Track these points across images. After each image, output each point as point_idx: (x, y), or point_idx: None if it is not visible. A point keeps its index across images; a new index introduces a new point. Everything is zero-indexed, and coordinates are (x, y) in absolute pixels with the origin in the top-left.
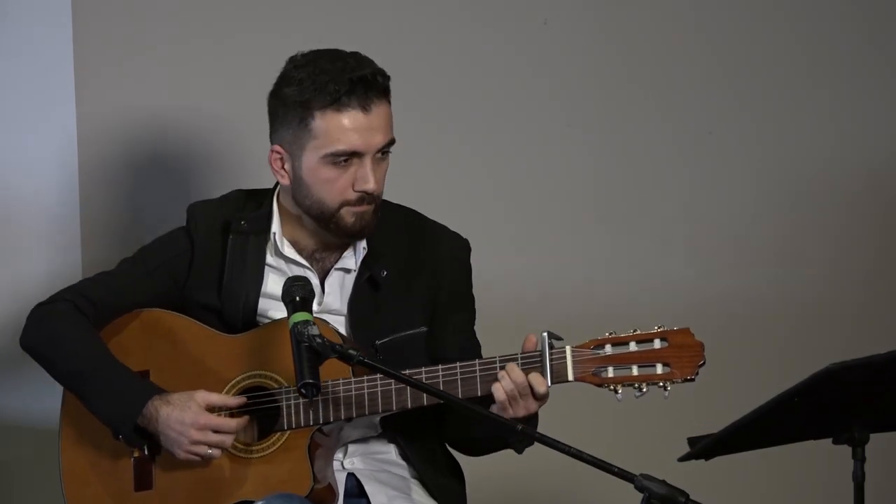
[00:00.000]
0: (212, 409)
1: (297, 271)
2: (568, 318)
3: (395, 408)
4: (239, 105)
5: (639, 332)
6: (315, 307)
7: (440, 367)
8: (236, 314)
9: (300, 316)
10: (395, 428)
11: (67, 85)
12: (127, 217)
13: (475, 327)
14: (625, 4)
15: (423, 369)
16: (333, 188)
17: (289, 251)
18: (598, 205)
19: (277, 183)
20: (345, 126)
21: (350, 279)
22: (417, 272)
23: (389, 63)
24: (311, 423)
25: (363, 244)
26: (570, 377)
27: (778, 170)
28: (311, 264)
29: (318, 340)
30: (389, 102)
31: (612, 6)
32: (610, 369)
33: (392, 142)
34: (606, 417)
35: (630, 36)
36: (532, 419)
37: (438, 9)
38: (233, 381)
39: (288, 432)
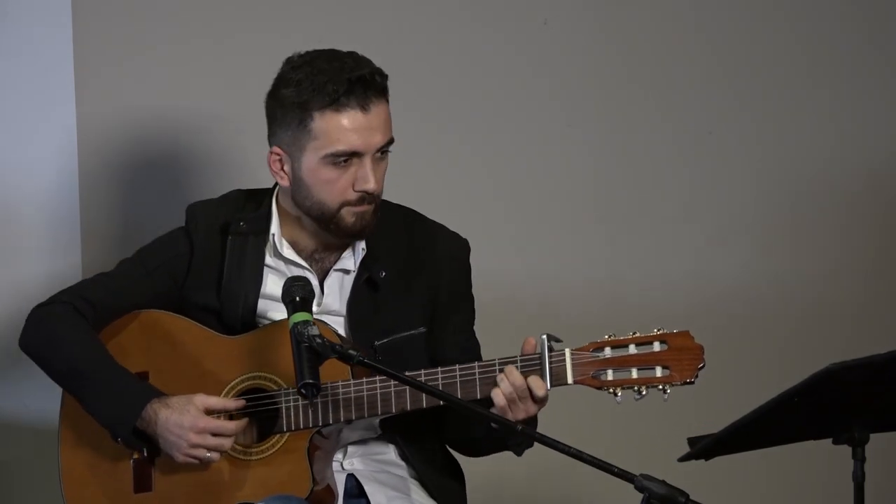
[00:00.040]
0: (210, 412)
1: (296, 272)
2: (568, 318)
3: (394, 410)
4: (239, 105)
5: (638, 334)
6: (314, 308)
7: (439, 369)
8: (235, 315)
9: (300, 316)
10: (395, 429)
11: (67, 85)
12: (127, 217)
13: (475, 327)
14: (625, 4)
15: (423, 371)
16: (334, 189)
17: (288, 252)
18: (598, 205)
19: (276, 183)
20: (344, 126)
21: (349, 280)
22: (417, 272)
23: (389, 63)
24: (311, 426)
25: (362, 245)
26: (570, 380)
27: (778, 170)
28: (310, 265)
29: (318, 340)
30: (388, 101)
31: (612, 6)
32: (609, 372)
33: (391, 141)
34: (606, 418)
35: (630, 36)
36: (531, 421)
37: (438, 9)
38: (232, 383)
39: (287, 434)
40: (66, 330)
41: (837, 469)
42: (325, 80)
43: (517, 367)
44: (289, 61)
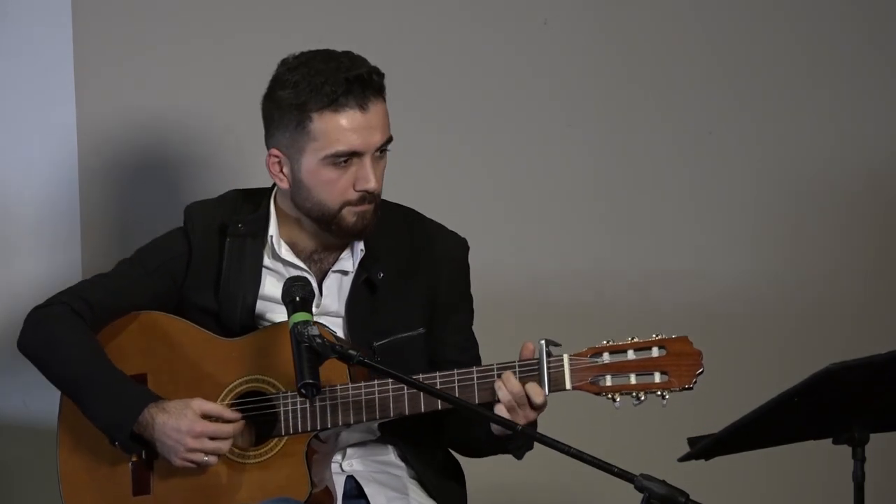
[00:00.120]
0: (207, 417)
1: (294, 274)
2: (567, 318)
3: (392, 415)
4: (239, 105)
5: (637, 339)
6: (313, 309)
7: (437, 374)
8: (233, 316)
9: (300, 316)
10: (394, 430)
11: (67, 85)
12: (127, 217)
13: (474, 327)
14: (625, 4)
15: (421, 376)
16: (334, 189)
17: (286, 254)
18: (598, 205)
19: (275, 184)
20: (343, 126)
21: (347, 281)
22: (415, 272)
23: (389, 63)
24: (309, 429)
25: (361, 246)
26: (568, 386)
27: (778, 170)
28: (309, 266)
29: (318, 341)
30: (385, 100)
31: (612, 6)
32: (608, 377)
33: (390, 139)
34: (606, 418)
35: (630, 36)
36: (531, 425)
37: (438, 9)
38: (230, 386)
39: (285, 437)
40: (63, 332)
41: (837, 469)
42: (322, 80)
43: (515, 372)
44: (284, 63)
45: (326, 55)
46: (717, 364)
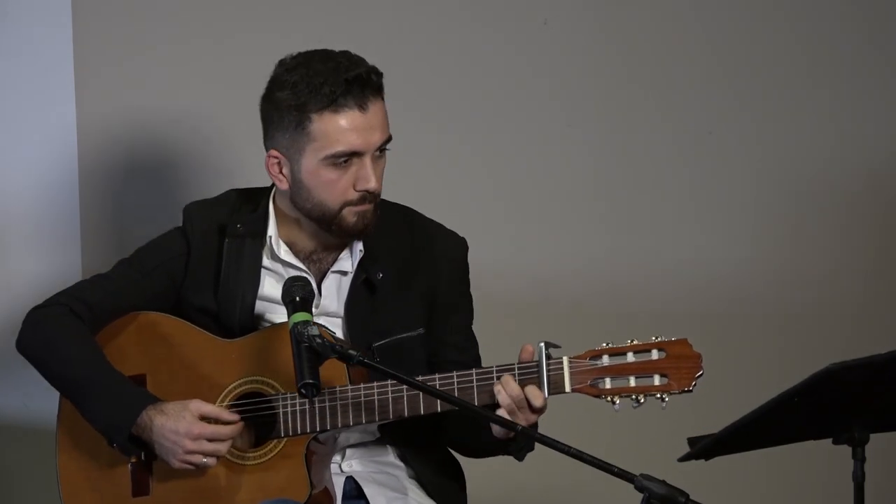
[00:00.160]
0: (205, 419)
1: (293, 274)
2: (567, 318)
3: (391, 417)
4: (239, 105)
5: (636, 342)
6: (312, 310)
7: (437, 375)
8: (233, 317)
9: (300, 316)
10: (394, 430)
11: (67, 85)
12: (127, 217)
13: (473, 326)
14: (625, 4)
15: (420, 378)
16: (335, 189)
17: (285, 254)
18: (598, 205)
19: (273, 184)
20: (343, 127)
21: (346, 281)
22: (414, 273)
23: (389, 63)
24: (308, 431)
25: (359, 246)
26: (568, 388)
27: (778, 170)
28: (308, 266)
29: (318, 341)
30: (384, 99)
31: (612, 6)
32: (607, 380)
33: (389, 138)
34: (606, 418)
35: (630, 36)
36: (531, 427)
37: (438, 9)
38: (229, 387)
39: (285, 439)
40: (62, 333)
41: (837, 469)
42: (321, 81)
43: (515, 375)
44: (281, 63)
45: (324, 55)
46: (716, 364)
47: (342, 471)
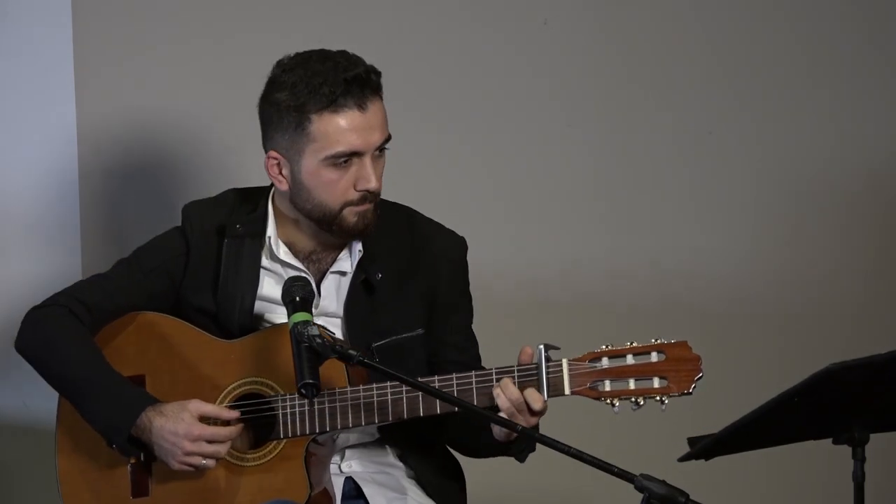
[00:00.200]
0: (205, 419)
1: (293, 274)
2: (567, 318)
3: (391, 418)
4: (239, 105)
5: (636, 344)
6: (312, 310)
7: (436, 377)
8: (232, 317)
9: (300, 316)
10: (394, 430)
11: (67, 85)
12: (126, 217)
13: (473, 326)
14: (625, 4)
15: (419, 380)
16: (335, 190)
17: (284, 255)
18: (598, 205)
19: (272, 183)
20: (343, 127)
21: (346, 282)
22: (413, 273)
23: (389, 63)
24: (307, 433)
25: (359, 246)
26: (567, 391)
27: (778, 170)
28: (307, 267)
29: (318, 341)
30: (382, 98)
31: (612, 6)
32: (607, 382)
33: (389, 138)
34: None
35: (630, 36)
36: (532, 429)
37: (438, 9)
38: (229, 388)
39: (284, 440)
40: (61, 333)
41: (837, 469)
42: (320, 81)
43: (514, 378)
44: (279, 64)
45: (322, 55)
46: (716, 364)
47: (341, 471)
